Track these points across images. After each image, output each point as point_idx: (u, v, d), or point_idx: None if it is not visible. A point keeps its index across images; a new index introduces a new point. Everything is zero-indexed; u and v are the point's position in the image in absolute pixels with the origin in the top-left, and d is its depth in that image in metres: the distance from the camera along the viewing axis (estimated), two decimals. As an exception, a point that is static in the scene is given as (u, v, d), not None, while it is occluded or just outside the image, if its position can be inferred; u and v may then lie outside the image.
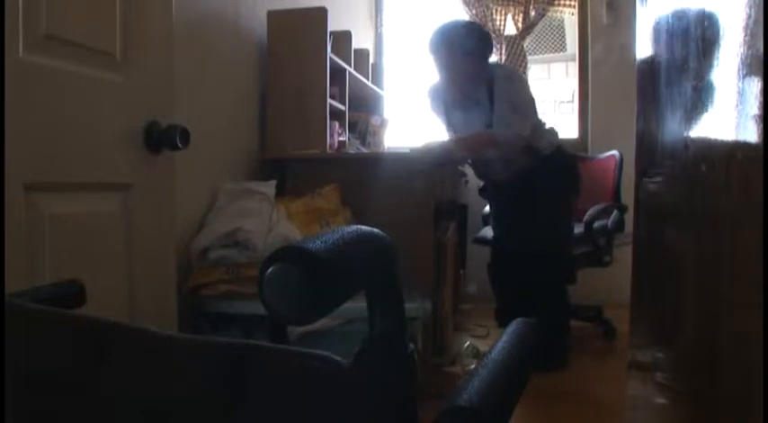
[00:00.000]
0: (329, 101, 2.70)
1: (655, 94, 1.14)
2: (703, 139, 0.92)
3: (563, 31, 4.37)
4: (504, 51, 3.95)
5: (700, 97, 0.92)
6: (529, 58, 4.06)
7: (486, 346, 2.59)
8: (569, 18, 4.05)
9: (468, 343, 2.63)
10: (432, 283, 2.27)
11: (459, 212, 2.92)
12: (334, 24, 2.76)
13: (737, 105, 0.77)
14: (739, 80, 0.77)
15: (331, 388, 0.46)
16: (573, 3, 3.90)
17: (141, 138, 1.30)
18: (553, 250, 2.56)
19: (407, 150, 2.68)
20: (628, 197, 2.36)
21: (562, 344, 2.54)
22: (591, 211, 2.83)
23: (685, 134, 1.00)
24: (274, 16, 2.68)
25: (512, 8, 3.95)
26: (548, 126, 2.67)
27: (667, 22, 1.08)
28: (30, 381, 0.57)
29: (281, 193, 2.35)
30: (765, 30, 0.67)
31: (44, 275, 1.05)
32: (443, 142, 2.49)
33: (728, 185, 0.80)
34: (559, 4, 3.94)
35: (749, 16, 0.74)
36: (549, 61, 4.67)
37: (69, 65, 1.13)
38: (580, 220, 2.83)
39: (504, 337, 0.64)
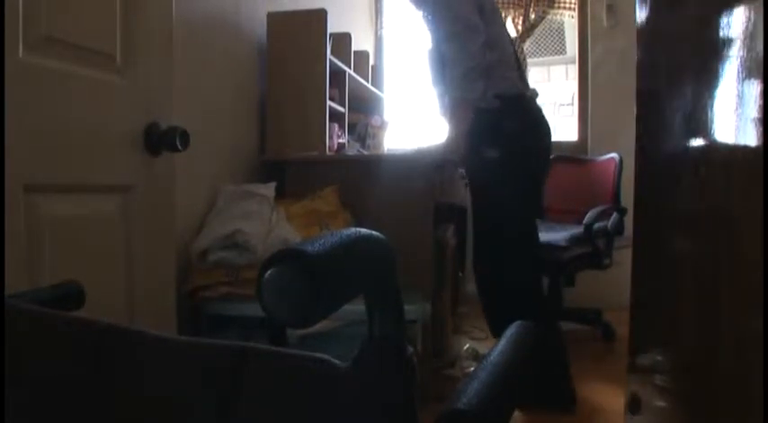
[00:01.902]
0: (329, 102, 2.70)
1: (654, 97, 1.14)
2: (703, 142, 0.92)
3: (563, 34, 4.37)
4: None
5: (699, 100, 0.92)
6: (529, 60, 4.07)
7: (485, 348, 2.59)
8: (569, 21, 4.06)
9: (467, 345, 2.63)
10: (431, 285, 2.27)
11: (459, 215, 2.92)
12: (333, 26, 2.76)
13: (737, 108, 0.77)
14: (739, 83, 0.77)
15: (330, 390, 0.46)
16: (573, 5, 3.91)
17: (141, 139, 1.30)
18: (492, 240, 2.15)
19: (409, 151, 2.64)
20: (628, 199, 2.36)
21: (563, 379, 2.12)
22: (590, 214, 2.83)
23: (685, 137, 1.00)
24: (274, 18, 2.68)
25: (512, 11, 3.96)
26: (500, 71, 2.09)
27: (667, 24, 1.08)
28: (29, 382, 0.57)
29: (280, 194, 2.35)
30: (765, 31, 0.67)
31: (44, 277, 1.05)
32: (439, 144, 2.31)
33: (728, 188, 0.80)
34: (559, 7, 3.94)
35: (749, 18, 0.74)
36: (549, 64, 4.68)
37: (69, 66, 1.13)
38: (580, 223, 2.83)
39: (503, 340, 0.64)
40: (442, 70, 2.14)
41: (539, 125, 2.20)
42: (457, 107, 2.14)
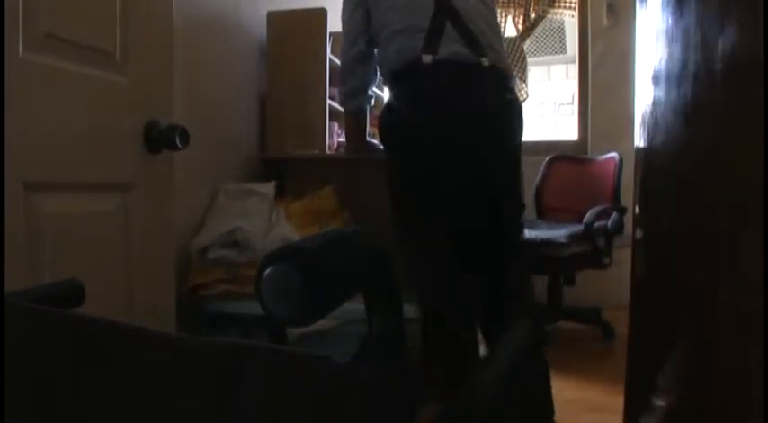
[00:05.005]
0: (329, 101, 2.70)
1: (654, 96, 1.14)
2: (703, 141, 0.92)
3: (563, 33, 4.37)
4: (504, 53, 3.95)
5: (699, 99, 0.92)
6: (529, 59, 4.06)
7: (484, 347, 2.59)
8: (569, 20, 4.06)
9: (467, 344, 2.62)
10: (431, 283, 2.27)
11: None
12: (334, 25, 2.76)
13: (737, 107, 0.77)
14: (739, 82, 0.77)
15: (329, 388, 0.46)
16: (573, 5, 3.90)
17: (141, 137, 1.30)
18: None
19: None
20: (627, 199, 2.36)
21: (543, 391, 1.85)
22: (590, 213, 2.83)
23: (685, 136, 1.00)
24: (274, 17, 2.68)
25: (512, 9, 3.96)
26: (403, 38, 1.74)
27: (667, 23, 1.08)
28: (28, 381, 0.57)
29: (280, 193, 2.35)
30: (765, 29, 0.67)
31: (43, 275, 1.05)
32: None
33: (728, 188, 0.80)
34: (560, 6, 3.94)
35: (749, 18, 0.74)
36: (550, 63, 4.68)
37: (69, 64, 1.13)
38: (580, 222, 2.83)
39: (503, 340, 0.64)
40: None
41: (420, 94, 1.75)
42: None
